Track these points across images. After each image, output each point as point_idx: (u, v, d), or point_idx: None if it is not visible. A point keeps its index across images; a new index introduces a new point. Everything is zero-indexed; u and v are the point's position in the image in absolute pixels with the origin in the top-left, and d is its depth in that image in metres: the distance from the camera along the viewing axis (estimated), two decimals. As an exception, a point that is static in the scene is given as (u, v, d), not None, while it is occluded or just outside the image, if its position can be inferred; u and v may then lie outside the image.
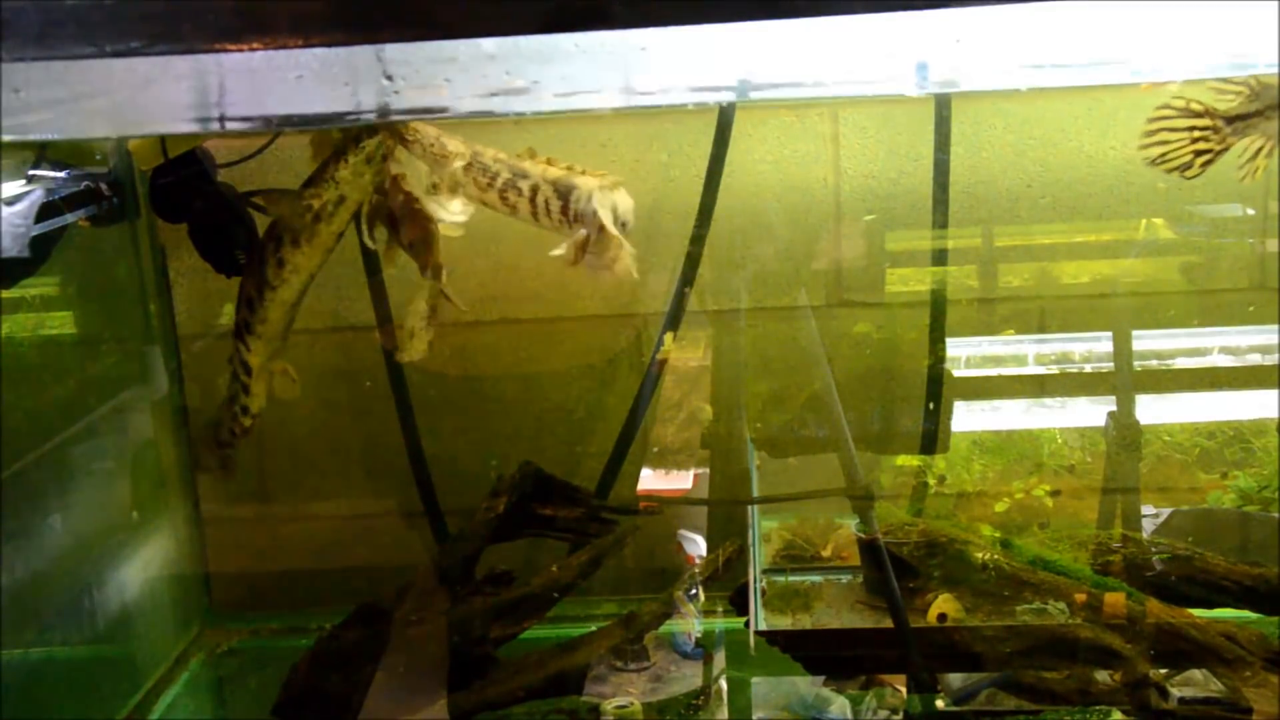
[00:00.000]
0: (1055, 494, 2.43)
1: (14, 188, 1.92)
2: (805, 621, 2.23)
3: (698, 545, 2.55)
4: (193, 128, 1.33)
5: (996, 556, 2.20)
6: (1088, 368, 2.53)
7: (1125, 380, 2.46)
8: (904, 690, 2.25)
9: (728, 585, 2.35)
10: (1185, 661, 2.11)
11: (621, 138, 2.53)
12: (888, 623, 2.17)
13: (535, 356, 2.67)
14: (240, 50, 1.21)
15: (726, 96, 1.37)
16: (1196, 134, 1.66)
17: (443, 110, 1.34)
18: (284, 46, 1.21)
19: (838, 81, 1.30)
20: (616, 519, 2.38)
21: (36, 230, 1.92)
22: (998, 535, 2.29)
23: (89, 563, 2.38)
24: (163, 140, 2.01)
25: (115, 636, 2.48)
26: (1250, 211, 2.40)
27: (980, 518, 2.39)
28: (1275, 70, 1.51)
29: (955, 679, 2.20)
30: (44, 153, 2.02)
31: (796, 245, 2.59)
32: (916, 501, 2.48)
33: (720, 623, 2.42)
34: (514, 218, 1.65)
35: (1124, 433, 2.42)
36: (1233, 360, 2.50)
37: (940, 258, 2.48)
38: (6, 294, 2.14)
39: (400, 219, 1.81)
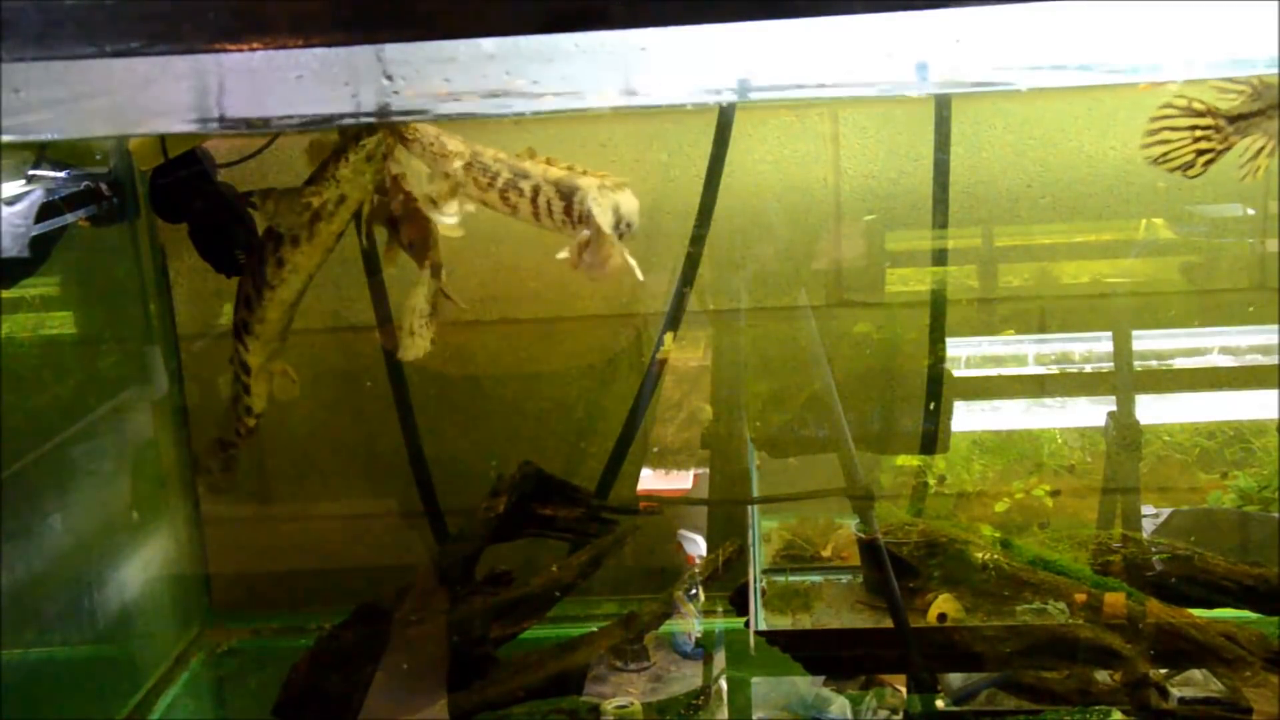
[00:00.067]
0: (1055, 494, 2.43)
1: (14, 188, 1.92)
2: (805, 621, 2.23)
3: (698, 545, 2.55)
4: (193, 128, 1.33)
5: (996, 556, 2.20)
6: (1088, 368, 2.53)
7: (1125, 380, 2.46)
8: (904, 690, 2.25)
9: (728, 585, 2.35)
10: (1185, 661, 2.11)
11: (621, 138, 2.53)
12: (888, 623, 2.17)
13: (535, 356, 2.67)
14: (240, 50, 1.21)
15: (727, 97, 1.37)
16: (1198, 133, 1.66)
17: (443, 110, 1.34)
18: (284, 46, 1.21)
19: (838, 82, 1.30)
20: (616, 519, 2.38)
21: (36, 230, 1.92)
22: (998, 535, 2.29)
23: (89, 563, 2.38)
24: (163, 140, 2.01)
25: (115, 636, 2.48)
26: (1250, 211, 2.40)
27: (980, 518, 2.39)
28: (1276, 70, 1.51)
29: (955, 679, 2.20)
30: (44, 153, 2.02)
31: (796, 245, 2.59)
32: (916, 501, 2.48)
33: (720, 623, 2.42)
34: (514, 218, 1.64)
35: (1124, 433, 2.42)
36: (1233, 360, 2.50)
37: (940, 258, 2.48)
38: (6, 294, 2.14)
39: (400, 219, 1.81)
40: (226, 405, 2.06)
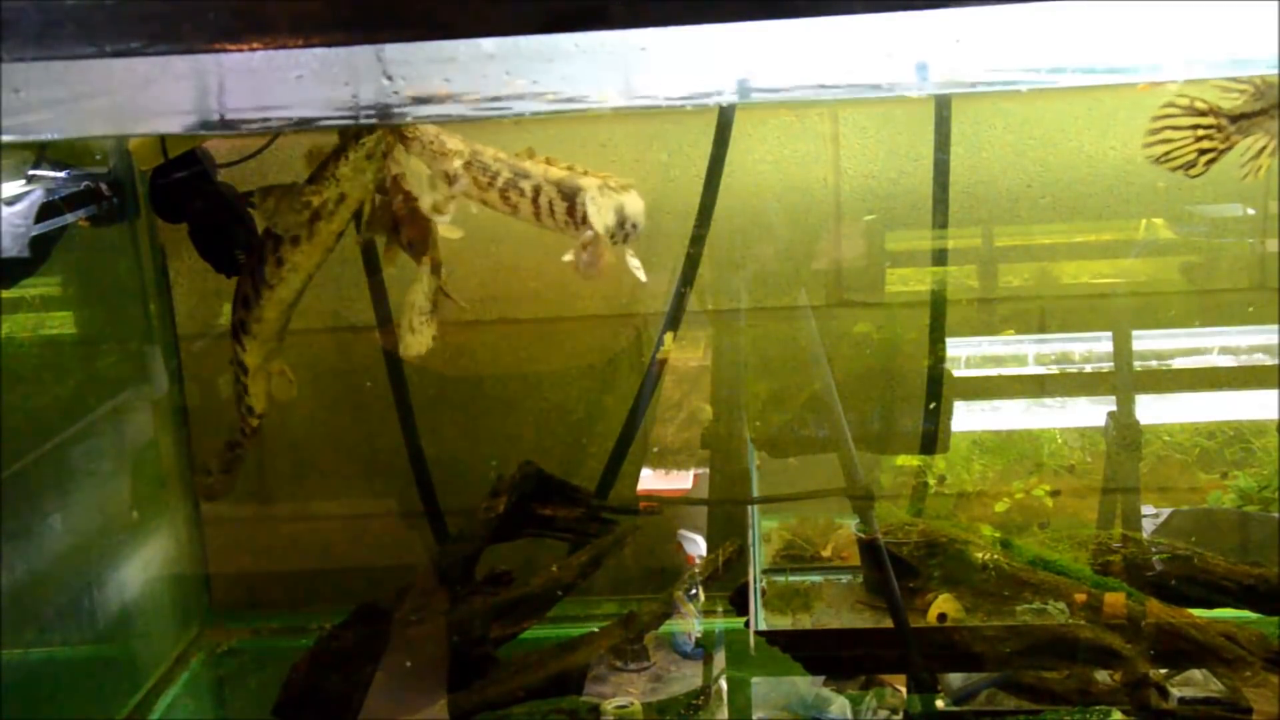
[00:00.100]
0: (1055, 494, 2.43)
1: (14, 188, 1.92)
2: (805, 621, 2.23)
3: (698, 545, 2.55)
4: (193, 128, 1.33)
5: (996, 556, 2.20)
6: (1088, 368, 2.53)
7: (1125, 380, 2.46)
8: (904, 690, 2.25)
9: (728, 585, 2.35)
10: (1185, 661, 2.11)
11: (621, 138, 2.53)
12: (888, 623, 2.17)
13: (535, 356, 2.67)
14: (240, 50, 1.21)
15: (727, 97, 1.37)
16: (1200, 132, 1.67)
17: (442, 111, 1.34)
18: (284, 46, 1.21)
19: (838, 82, 1.30)
20: (616, 519, 2.38)
21: (36, 230, 1.92)
22: (998, 535, 2.29)
23: (89, 562, 2.38)
24: (163, 140, 2.01)
25: (115, 636, 2.48)
26: (1250, 211, 2.40)
27: (980, 518, 2.39)
28: (1276, 70, 1.51)
29: (955, 679, 2.20)
30: (44, 153, 2.02)
31: (796, 245, 2.59)
32: (916, 501, 2.48)
33: (720, 623, 2.42)
34: (515, 217, 1.64)
35: (1124, 433, 2.42)
36: (1233, 360, 2.50)
37: (940, 258, 2.48)
38: (6, 294, 2.14)
39: (399, 219, 1.81)
40: (236, 405, 2.07)
